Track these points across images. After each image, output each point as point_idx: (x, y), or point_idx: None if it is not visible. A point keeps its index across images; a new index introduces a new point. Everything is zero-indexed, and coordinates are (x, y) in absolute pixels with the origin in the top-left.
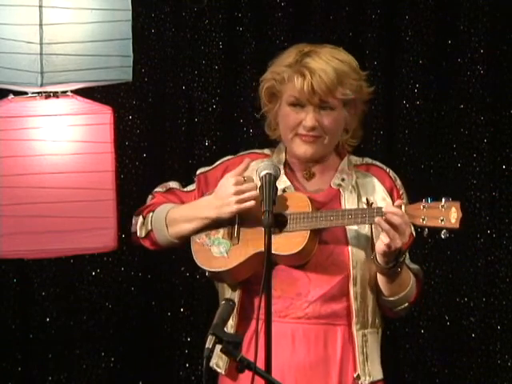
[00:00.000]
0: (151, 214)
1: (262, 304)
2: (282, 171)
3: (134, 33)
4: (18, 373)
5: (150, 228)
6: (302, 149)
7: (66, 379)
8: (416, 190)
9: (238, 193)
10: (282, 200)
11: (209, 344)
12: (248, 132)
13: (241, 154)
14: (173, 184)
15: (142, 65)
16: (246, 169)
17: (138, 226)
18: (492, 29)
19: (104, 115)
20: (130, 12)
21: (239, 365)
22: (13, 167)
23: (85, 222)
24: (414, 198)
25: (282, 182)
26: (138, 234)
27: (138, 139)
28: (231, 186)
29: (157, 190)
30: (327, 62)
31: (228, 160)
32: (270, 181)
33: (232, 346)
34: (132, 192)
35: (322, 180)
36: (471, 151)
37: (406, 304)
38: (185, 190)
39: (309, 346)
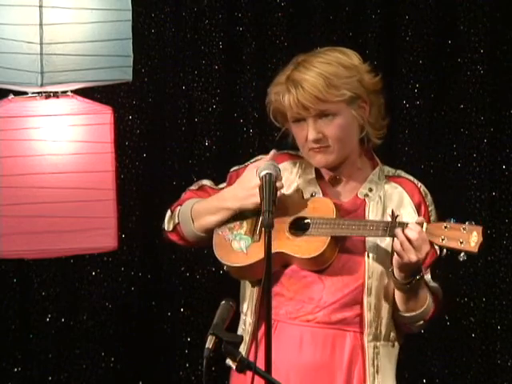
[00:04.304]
0: (179, 207)
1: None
2: (314, 175)
3: (133, 33)
4: (18, 373)
5: (177, 221)
6: (315, 160)
7: (66, 379)
8: None
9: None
10: (308, 203)
11: (209, 344)
12: (248, 132)
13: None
14: (205, 181)
15: (142, 65)
16: (271, 159)
17: (166, 220)
18: (492, 29)
19: (104, 115)
20: (130, 12)
21: (239, 365)
22: (13, 167)
23: (85, 222)
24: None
25: (312, 186)
26: (166, 228)
27: (138, 139)
28: (253, 178)
29: (190, 187)
30: (313, 70)
31: (260, 159)
32: (270, 181)
33: (232, 346)
34: (132, 192)
35: (349, 186)
36: (471, 151)
37: (422, 322)
38: (216, 187)
39: (316, 349)
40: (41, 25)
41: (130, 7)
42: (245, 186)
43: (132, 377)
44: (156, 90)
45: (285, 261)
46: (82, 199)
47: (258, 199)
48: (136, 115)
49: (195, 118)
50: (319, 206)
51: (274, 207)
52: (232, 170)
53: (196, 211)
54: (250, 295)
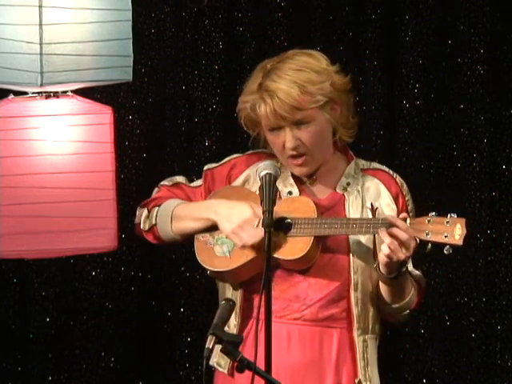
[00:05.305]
0: (156, 208)
1: (262, 303)
2: (290, 173)
3: (134, 33)
4: (18, 373)
5: (154, 222)
6: (296, 170)
7: (66, 379)
8: (416, 190)
9: (239, 227)
10: (288, 204)
11: (209, 344)
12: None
13: (249, 152)
14: (179, 178)
15: (142, 65)
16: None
17: (142, 218)
18: (492, 29)
19: (104, 115)
20: (130, 12)
21: (239, 365)
22: (13, 167)
23: (85, 222)
24: (414, 198)
25: (289, 185)
26: (142, 227)
27: (138, 139)
28: (246, 217)
29: (163, 183)
30: (286, 78)
31: (236, 158)
32: (270, 181)
33: (232, 346)
34: (132, 192)
35: (326, 183)
36: (471, 151)
37: (407, 311)
38: (191, 185)
39: (304, 346)
40: (40, 25)
41: (130, 7)
42: (232, 213)
43: (132, 377)
44: (156, 90)
45: None
46: (82, 199)
47: (225, 231)
48: (136, 115)
49: (195, 118)
50: (299, 206)
51: (274, 207)
52: (207, 167)
53: (177, 214)
54: (232, 297)
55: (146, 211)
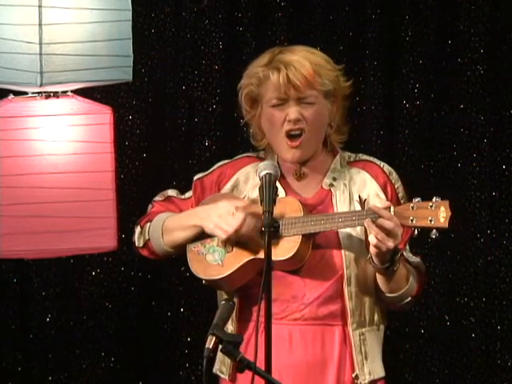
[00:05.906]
0: (149, 224)
1: (262, 306)
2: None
3: (134, 33)
4: (18, 373)
5: (147, 238)
6: (289, 153)
7: (66, 379)
8: (416, 190)
9: (218, 219)
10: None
11: (209, 344)
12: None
13: (236, 158)
14: (171, 192)
15: (142, 65)
16: (247, 206)
17: (136, 235)
18: (492, 29)
19: (104, 115)
20: (130, 12)
21: (239, 365)
22: (13, 167)
23: (85, 222)
24: (413, 197)
25: None
26: (137, 244)
27: (138, 139)
28: (223, 209)
29: (156, 198)
30: (301, 55)
31: (224, 164)
32: (270, 181)
33: (232, 346)
34: (132, 192)
35: (313, 180)
36: (471, 151)
37: (409, 298)
38: (182, 197)
39: (306, 346)
40: (40, 25)
41: (130, 7)
42: (212, 211)
43: (132, 377)
44: (156, 89)
45: (261, 267)
46: (82, 199)
47: (209, 227)
48: (136, 115)
49: (195, 118)
50: (285, 207)
51: (274, 207)
52: (196, 178)
53: (167, 227)
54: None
55: (139, 228)
